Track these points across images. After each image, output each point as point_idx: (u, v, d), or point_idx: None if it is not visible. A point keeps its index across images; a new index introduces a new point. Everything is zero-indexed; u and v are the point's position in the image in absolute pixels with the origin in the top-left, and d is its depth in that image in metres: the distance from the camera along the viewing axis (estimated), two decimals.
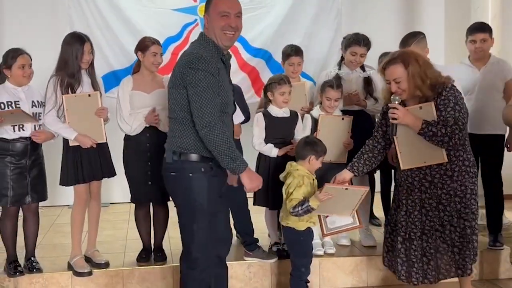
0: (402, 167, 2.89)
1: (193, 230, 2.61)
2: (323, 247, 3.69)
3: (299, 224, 3.16)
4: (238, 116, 3.47)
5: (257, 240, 3.63)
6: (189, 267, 2.67)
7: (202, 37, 2.63)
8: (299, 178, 3.11)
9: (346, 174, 3.08)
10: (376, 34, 4.50)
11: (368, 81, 3.77)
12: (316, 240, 3.69)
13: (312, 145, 3.20)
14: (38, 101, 3.40)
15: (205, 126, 2.46)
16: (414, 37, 3.64)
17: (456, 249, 2.87)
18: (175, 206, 2.72)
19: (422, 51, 3.56)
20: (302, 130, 3.54)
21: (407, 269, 2.95)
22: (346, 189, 3.02)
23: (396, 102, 2.82)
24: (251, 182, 2.57)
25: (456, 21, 4.08)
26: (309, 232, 3.22)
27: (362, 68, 3.82)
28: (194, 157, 2.56)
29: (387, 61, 2.85)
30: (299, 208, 3.04)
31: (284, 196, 3.17)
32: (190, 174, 2.56)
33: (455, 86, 2.79)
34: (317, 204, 2.99)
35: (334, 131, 3.49)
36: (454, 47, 3.98)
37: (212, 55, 2.56)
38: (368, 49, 3.77)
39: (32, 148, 3.36)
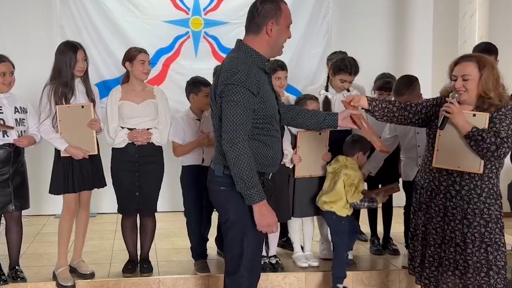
0: (434, 164, 2.78)
1: (243, 246, 2.43)
2: (307, 260, 3.72)
3: (343, 211, 3.48)
4: None
5: None
6: (234, 285, 2.49)
7: (241, 46, 2.44)
8: (359, 172, 3.51)
9: (363, 100, 2.87)
10: (365, 51, 4.61)
11: None
12: (299, 253, 3.76)
13: (361, 142, 3.48)
14: (21, 107, 3.39)
15: (227, 142, 2.29)
16: (407, 86, 3.55)
17: (474, 273, 2.73)
18: (221, 222, 2.56)
19: (416, 97, 3.52)
20: (288, 142, 3.58)
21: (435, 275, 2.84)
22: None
23: (455, 99, 2.72)
24: (262, 218, 2.34)
25: (444, 42, 4.17)
26: (348, 217, 3.52)
27: (347, 89, 3.84)
28: None
29: (462, 56, 2.80)
30: (365, 203, 3.48)
31: (342, 185, 3.45)
32: None
33: None
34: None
35: (312, 146, 3.56)
36: (442, 66, 4.03)
37: (251, 68, 2.35)
38: (357, 74, 3.77)
39: (15, 156, 3.34)
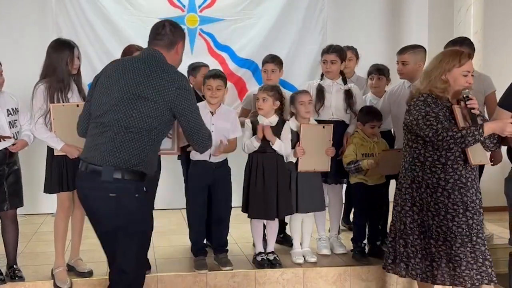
0: (473, 163, 2.79)
1: (135, 253, 2.48)
2: (304, 257, 3.72)
3: (352, 178, 3.73)
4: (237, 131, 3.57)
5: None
6: (134, 283, 2.55)
7: (163, 56, 2.55)
8: (352, 137, 3.68)
9: None
10: (361, 47, 4.61)
11: (348, 94, 3.83)
12: (297, 249, 3.75)
13: (361, 112, 3.72)
14: (13, 109, 3.38)
15: (206, 147, 2.60)
16: (411, 47, 3.70)
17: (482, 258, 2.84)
18: (105, 231, 2.48)
19: (415, 64, 3.61)
20: (287, 141, 3.58)
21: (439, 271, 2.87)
22: (399, 151, 3.40)
23: (470, 95, 2.78)
24: None
25: (439, 37, 4.19)
26: (358, 186, 3.70)
27: (344, 80, 3.89)
28: (137, 174, 2.42)
29: (468, 53, 2.88)
30: (352, 166, 3.58)
31: None
32: (136, 195, 2.42)
33: None
34: (365, 165, 3.52)
35: (316, 140, 3.58)
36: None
37: None
38: (340, 56, 3.82)
39: (9, 156, 3.34)
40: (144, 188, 2.48)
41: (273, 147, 3.50)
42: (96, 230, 2.57)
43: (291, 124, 3.65)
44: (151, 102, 2.40)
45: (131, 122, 2.39)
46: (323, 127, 3.62)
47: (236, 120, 3.59)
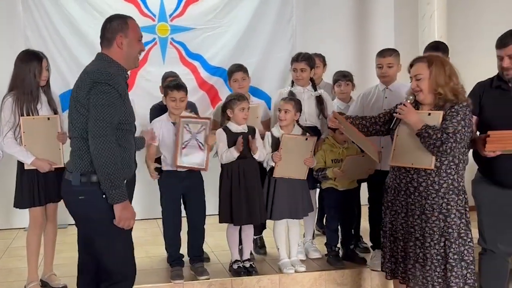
0: (390, 163, 2.95)
1: (118, 251, 2.51)
2: (293, 266, 3.70)
3: (323, 183, 3.84)
4: None
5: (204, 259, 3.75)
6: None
7: (103, 57, 2.55)
8: (321, 144, 3.77)
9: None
10: (330, 54, 4.69)
11: (319, 100, 3.90)
12: (285, 260, 3.73)
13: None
14: None
15: (97, 137, 2.34)
16: (389, 50, 3.74)
17: (433, 266, 2.84)
18: (82, 234, 2.58)
19: (397, 66, 3.70)
20: (262, 147, 3.62)
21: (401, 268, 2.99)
22: (363, 156, 3.53)
23: (408, 101, 2.87)
24: (126, 213, 2.43)
25: (405, 43, 4.29)
26: (329, 191, 3.80)
27: (314, 87, 3.95)
28: None
29: (416, 58, 2.94)
30: (320, 173, 3.70)
31: None
32: (104, 196, 2.42)
33: (469, 106, 2.84)
34: (331, 174, 3.64)
35: (296, 150, 3.57)
36: (404, 66, 4.13)
37: (118, 73, 2.51)
38: (309, 64, 3.87)
39: None
40: None
41: (254, 156, 3.53)
42: (78, 235, 2.66)
43: (274, 131, 3.68)
44: (84, 106, 2.42)
45: (76, 131, 2.46)
46: (306, 139, 3.59)
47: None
